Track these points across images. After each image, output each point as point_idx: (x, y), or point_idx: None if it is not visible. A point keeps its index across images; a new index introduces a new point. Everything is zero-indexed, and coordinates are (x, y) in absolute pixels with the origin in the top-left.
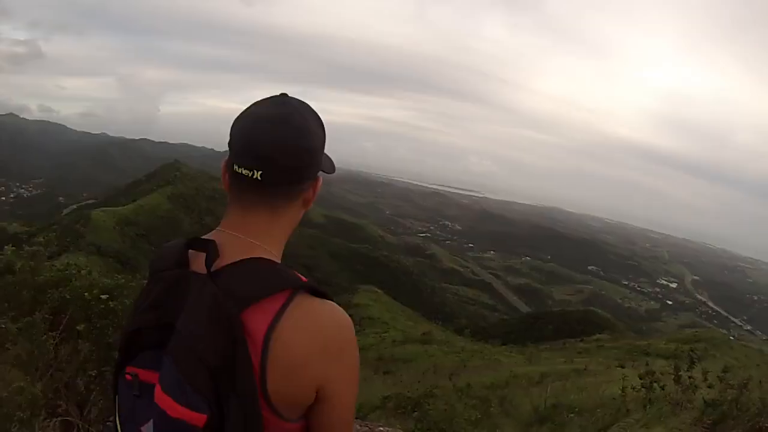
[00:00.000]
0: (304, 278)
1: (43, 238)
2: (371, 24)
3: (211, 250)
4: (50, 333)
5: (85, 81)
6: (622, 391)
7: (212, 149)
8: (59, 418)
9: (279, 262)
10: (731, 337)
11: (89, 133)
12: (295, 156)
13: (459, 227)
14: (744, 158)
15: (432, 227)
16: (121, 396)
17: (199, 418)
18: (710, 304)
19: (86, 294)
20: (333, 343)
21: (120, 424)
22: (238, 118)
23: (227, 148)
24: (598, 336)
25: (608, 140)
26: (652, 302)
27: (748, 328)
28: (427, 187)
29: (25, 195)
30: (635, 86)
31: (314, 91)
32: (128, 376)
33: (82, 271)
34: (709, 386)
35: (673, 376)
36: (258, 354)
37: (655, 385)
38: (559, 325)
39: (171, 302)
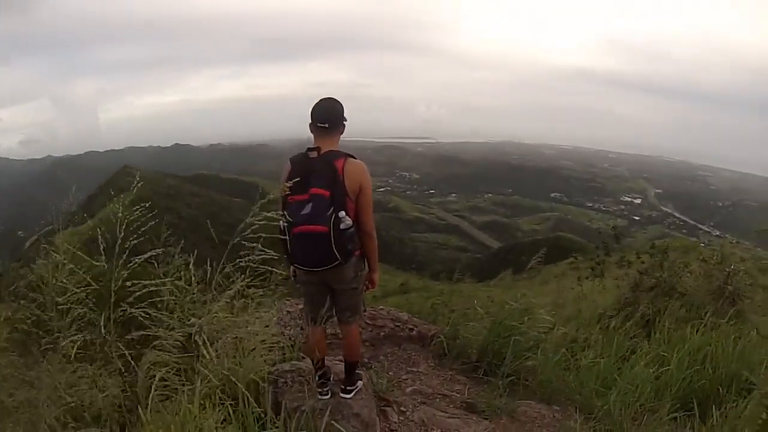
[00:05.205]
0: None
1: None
2: None
3: (318, 148)
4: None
5: (19, 109)
6: (578, 281)
7: (159, 146)
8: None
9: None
10: (702, 244)
11: (34, 159)
12: (336, 116)
13: (417, 176)
14: (688, 69)
15: (390, 180)
16: (289, 210)
17: (326, 193)
18: (677, 214)
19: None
20: (364, 172)
21: (290, 216)
22: (314, 106)
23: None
24: (571, 258)
25: (553, 70)
26: (619, 220)
27: (717, 233)
28: (379, 141)
29: None
30: (574, 13)
31: (248, 68)
32: (290, 200)
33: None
34: (642, 262)
35: (604, 254)
36: (341, 174)
37: (603, 272)
38: (532, 254)
39: (306, 168)
